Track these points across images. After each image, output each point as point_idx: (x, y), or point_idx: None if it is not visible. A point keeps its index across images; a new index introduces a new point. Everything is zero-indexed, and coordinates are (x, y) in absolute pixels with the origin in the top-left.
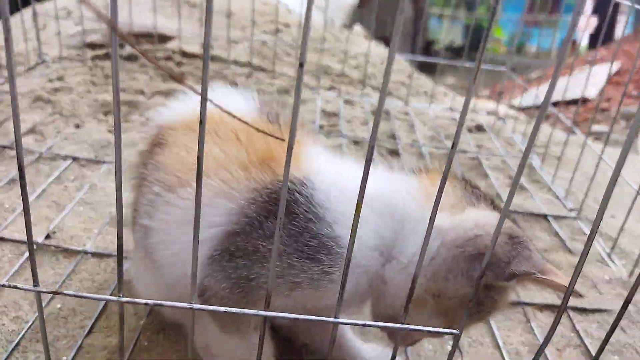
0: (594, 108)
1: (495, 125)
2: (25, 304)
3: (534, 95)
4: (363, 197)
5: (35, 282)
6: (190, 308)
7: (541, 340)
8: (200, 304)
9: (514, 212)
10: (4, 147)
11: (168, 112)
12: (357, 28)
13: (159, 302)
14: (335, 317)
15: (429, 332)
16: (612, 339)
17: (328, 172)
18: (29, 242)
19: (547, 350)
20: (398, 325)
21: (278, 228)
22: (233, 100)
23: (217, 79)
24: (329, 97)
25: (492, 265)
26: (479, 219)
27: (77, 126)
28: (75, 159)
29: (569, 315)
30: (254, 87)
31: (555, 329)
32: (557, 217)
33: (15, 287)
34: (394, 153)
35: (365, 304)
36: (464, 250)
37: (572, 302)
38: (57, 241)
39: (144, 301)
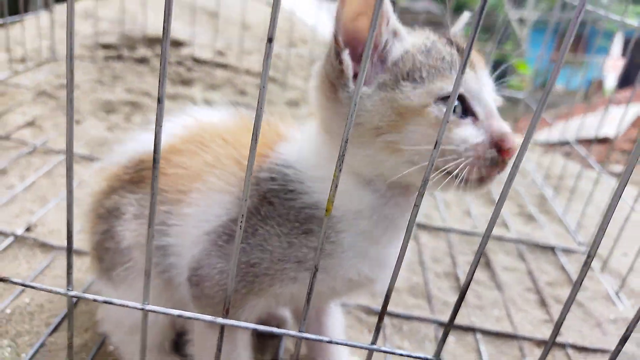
0: (616, 148)
1: None
2: None
3: (560, 131)
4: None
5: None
6: (142, 309)
7: None
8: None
9: (520, 241)
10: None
11: (140, 145)
12: None
13: (109, 299)
14: (300, 332)
15: (401, 354)
16: None
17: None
18: None
19: None
20: (366, 345)
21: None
22: (205, 114)
23: (228, 87)
24: None
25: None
26: None
27: (77, 122)
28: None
29: (567, 353)
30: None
31: None
32: (565, 250)
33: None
34: None
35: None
36: None
37: (574, 340)
38: (36, 235)
39: (92, 297)
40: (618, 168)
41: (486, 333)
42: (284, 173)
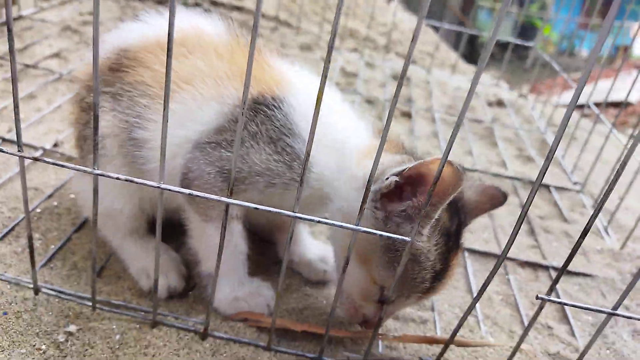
0: (634, 112)
1: (517, 102)
2: None
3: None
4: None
5: (20, 149)
6: (158, 187)
7: (515, 292)
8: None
9: (515, 178)
10: (28, 65)
11: (126, 34)
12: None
13: (130, 178)
14: (294, 212)
15: (382, 235)
16: (590, 302)
17: (306, 95)
18: (16, 108)
19: (520, 302)
20: (352, 226)
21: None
22: (202, 23)
23: (243, 29)
24: (350, 59)
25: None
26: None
27: None
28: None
29: (549, 274)
30: (278, 41)
31: (494, 274)
32: (559, 189)
33: (0, 150)
34: (407, 115)
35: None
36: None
37: (557, 262)
38: (62, 150)
39: (115, 175)
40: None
41: (473, 252)
42: (285, 111)
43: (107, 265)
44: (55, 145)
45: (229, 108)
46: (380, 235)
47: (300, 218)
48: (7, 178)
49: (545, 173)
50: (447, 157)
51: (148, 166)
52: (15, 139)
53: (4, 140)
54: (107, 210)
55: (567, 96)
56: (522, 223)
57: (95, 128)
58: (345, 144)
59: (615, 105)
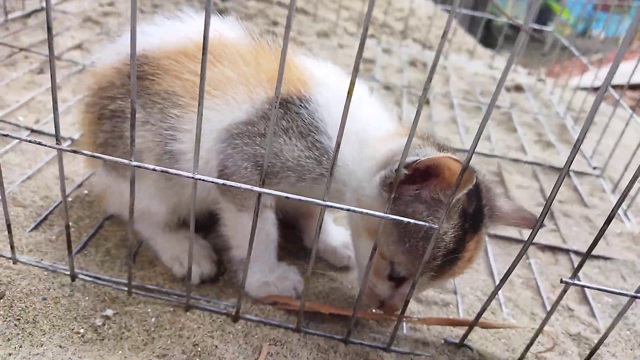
0: None
1: (536, 87)
2: (56, 188)
3: (593, 77)
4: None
5: (58, 141)
6: (192, 177)
7: (536, 275)
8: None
9: (535, 163)
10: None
11: (144, 38)
12: None
13: (165, 169)
14: (324, 200)
15: (408, 222)
16: (610, 284)
17: (331, 92)
18: (54, 103)
19: (541, 285)
20: (380, 213)
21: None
22: (222, 28)
23: (260, 17)
24: (368, 45)
25: (390, 166)
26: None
27: None
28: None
29: (570, 258)
30: (295, 29)
31: (518, 261)
32: (578, 173)
33: (39, 143)
34: (425, 102)
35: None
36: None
37: (577, 246)
38: None
39: (151, 167)
40: None
41: (493, 236)
42: (311, 110)
43: (140, 251)
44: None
45: (260, 105)
46: (408, 222)
47: (330, 206)
48: (37, 168)
49: (570, 164)
50: (474, 150)
51: (185, 180)
52: (43, 130)
53: (33, 131)
54: (141, 211)
55: (585, 79)
56: (546, 214)
57: (132, 124)
58: (367, 135)
59: (633, 87)
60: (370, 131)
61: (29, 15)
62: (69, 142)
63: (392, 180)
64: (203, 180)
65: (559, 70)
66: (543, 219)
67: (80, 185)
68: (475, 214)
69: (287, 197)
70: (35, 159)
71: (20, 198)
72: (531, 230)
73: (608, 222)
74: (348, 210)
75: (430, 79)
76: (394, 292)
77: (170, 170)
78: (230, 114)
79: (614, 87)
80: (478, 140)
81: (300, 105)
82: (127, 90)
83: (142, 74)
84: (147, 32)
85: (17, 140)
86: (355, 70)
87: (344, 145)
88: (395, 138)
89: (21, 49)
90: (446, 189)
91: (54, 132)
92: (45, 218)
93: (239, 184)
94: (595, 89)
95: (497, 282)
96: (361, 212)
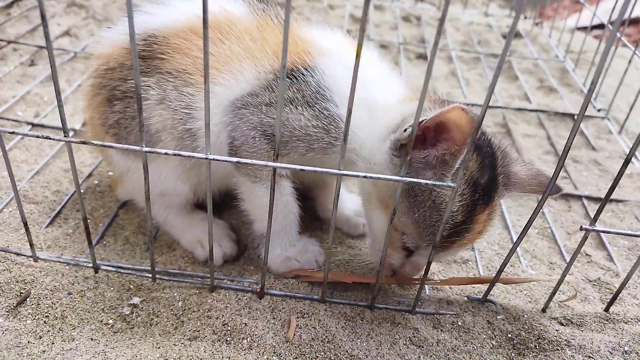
0: None
1: (533, 31)
2: (65, 181)
3: (589, 16)
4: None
5: (66, 134)
6: (206, 158)
7: (551, 224)
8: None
9: (540, 110)
10: (42, 47)
11: (150, 18)
12: None
13: (177, 152)
14: (339, 169)
15: (427, 184)
16: (624, 226)
17: (336, 61)
18: (57, 95)
19: (556, 233)
20: (397, 177)
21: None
22: (226, 4)
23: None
24: (358, 3)
25: (401, 128)
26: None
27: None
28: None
29: (583, 203)
30: None
31: (535, 216)
32: (584, 116)
33: (47, 137)
34: (422, 57)
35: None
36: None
37: (589, 191)
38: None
39: (163, 151)
40: None
41: None
42: (317, 78)
43: (157, 236)
44: (84, 124)
45: (264, 76)
46: (426, 184)
47: (346, 175)
48: (43, 163)
49: (581, 120)
50: (487, 106)
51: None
52: (44, 123)
53: (33, 125)
54: (164, 193)
55: (578, 18)
56: (560, 170)
57: (140, 109)
58: (377, 101)
59: (630, 22)
60: (379, 98)
61: (10, 5)
62: (71, 133)
63: (404, 142)
64: (216, 160)
65: (550, 12)
66: (556, 179)
67: (90, 176)
68: (487, 185)
69: (302, 170)
70: (40, 154)
71: (32, 195)
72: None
73: (625, 165)
74: (364, 177)
75: (437, 41)
76: (406, 261)
77: (183, 153)
78: (237, 87)
79: (611, 23)
80: (488, 103)
81: (306, 74)
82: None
83: (151, 53)
84: (155, 12)
85: (21, 137)
86: (362, 31)
87: (354, 113)
88: (405, 103)
89: (9, 42)
90: (456, 148)
91: (55, 125)
92: (59, 212)
93: (253, 161)
94: (594, 27)
95: (513, 235)
96: (378, 178)
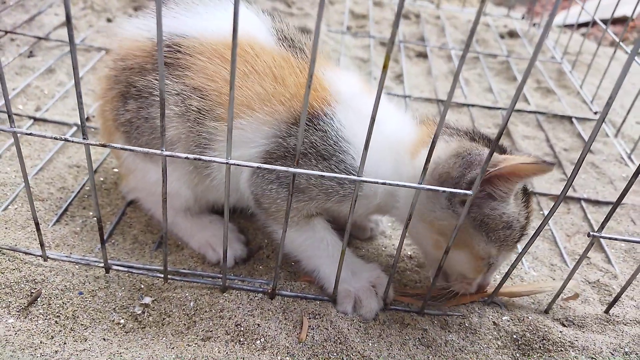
0: (634, 27)
1: (530, 32)
2: (70, 177)
3: (577, 13)
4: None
5: (85, 136)
6: (226, 163)
7: (551, 226)
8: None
9: (538, 112)
10: (40, 38)
11: (177, 23)
12: None
13: (197, 156)
14: (358, 176)
15: (444, 191)
16: (621, 229)
17: (354, 110)
18: (79, 97)
19: (556, 235)
20: (415, 185)
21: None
22: (251, 24)
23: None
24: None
25: (448, 182)
26: (437, 156)
27: (109, 20)
28: (108, 50)
29: (582, 206)
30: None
31: (554, 211)
32: (581, 119)
33: (67, 140)
34: (422, 55)
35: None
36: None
37: (587, 194)
38: (95, 124)
39: (184, 155)
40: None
41: None
42: (336, 130)
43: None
44: (87, 119)
45: (278, 126)
46: (443, 191)
47: (364, 181)
48: (47, 159)
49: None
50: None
51: (215, 175)
52: (46, 117)
53: (35, 119)
54: (168, 195)
55: (566, 16)
56: (572, 182)
57: (162, 114)
58: (397, 145)
59: (616, 21)
60: (401, 143)
61: None
62: (74, 129)
63: (465, 196)
64: (237, 164)
65: (535, 7)
66: (568, 189)
67: (94, 172)
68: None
69: (321, 176)
70: (43, 149)
71: (37, 191)
72: None
73: (635, 175)
74: (383, 184)
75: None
76: (485, 275)
77: (204, 157)
78: (255, 138)
79: (603, 21)
80: (508, 119)
81: (323, 124)
82: (156, 73)
83: (174, 61)
84: (183, 20)
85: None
86: (379, 91)
87: (374, 163)
88: (425, 144)
89: (7, 32)
90: (509, 181)
91: (58, 120)
92: (66, 210)
93: (271, 166)
94: (581, 25)
95: None
96: (397, 185)
